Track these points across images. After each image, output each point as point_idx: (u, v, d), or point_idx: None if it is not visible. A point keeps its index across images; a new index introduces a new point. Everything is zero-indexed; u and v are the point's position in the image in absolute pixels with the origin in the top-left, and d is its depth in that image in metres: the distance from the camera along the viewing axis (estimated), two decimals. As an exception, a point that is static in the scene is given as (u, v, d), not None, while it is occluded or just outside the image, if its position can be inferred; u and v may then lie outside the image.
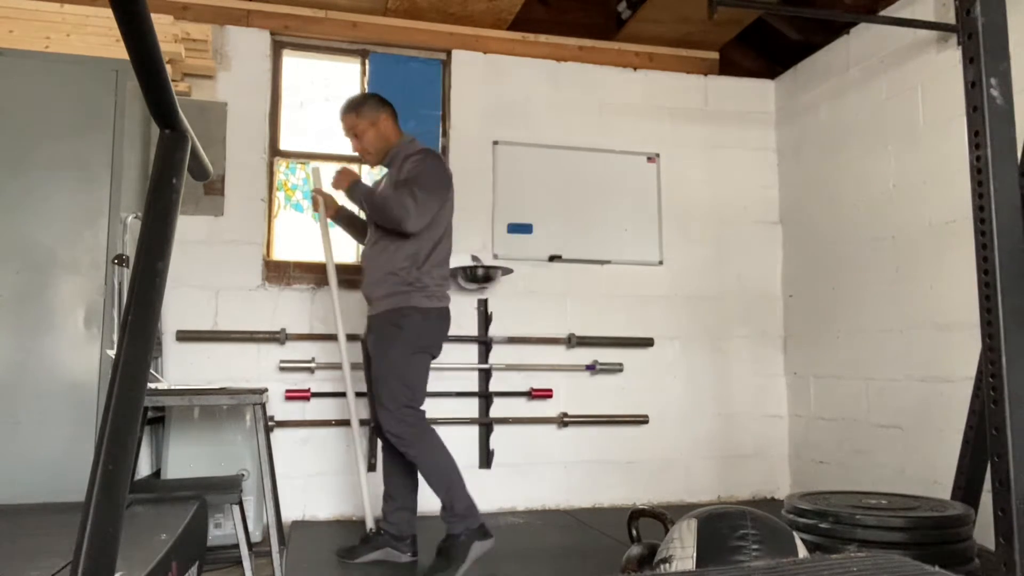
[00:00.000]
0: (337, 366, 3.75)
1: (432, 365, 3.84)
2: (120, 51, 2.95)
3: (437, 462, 2.79)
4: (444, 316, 2.96)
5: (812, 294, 4.26)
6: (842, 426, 3.98)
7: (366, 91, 3.13)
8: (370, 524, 3.10)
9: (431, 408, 3.85)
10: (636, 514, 2.45)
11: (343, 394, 3.75)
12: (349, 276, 3.72)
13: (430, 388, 3.87)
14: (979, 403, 2.60)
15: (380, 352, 2.86)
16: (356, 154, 3.15)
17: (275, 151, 3.97)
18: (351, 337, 3.39)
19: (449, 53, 4.23)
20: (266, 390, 2.79)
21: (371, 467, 3.60)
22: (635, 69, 4.49)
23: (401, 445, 2.80)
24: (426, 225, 2.85)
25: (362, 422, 3.52)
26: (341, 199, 3.19)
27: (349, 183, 2.98)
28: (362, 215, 3.20)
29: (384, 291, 2.89)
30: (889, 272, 3.69)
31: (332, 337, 3.80)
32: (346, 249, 4.00)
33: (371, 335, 2.95)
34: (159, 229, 1.02)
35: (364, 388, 3.13)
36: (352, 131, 3.05)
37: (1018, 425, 1.51)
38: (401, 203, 2.78)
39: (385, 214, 2.83)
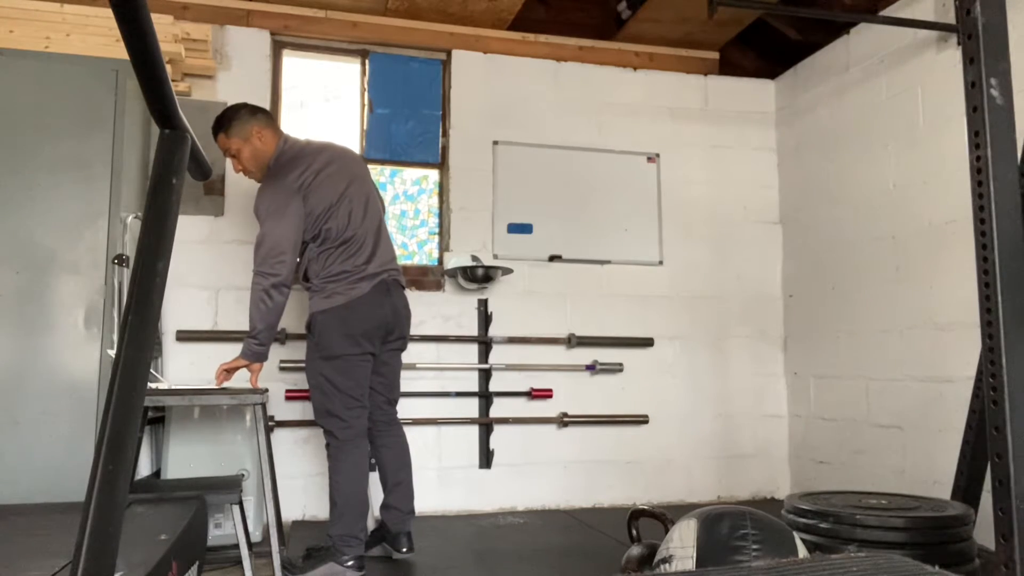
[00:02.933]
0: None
1: (432, 365, 3.90)
2: (120, 51, 2.95)
3: (342, 486, 2.73)
4: (352, 309, 2.74)
5: (812, 294, 4.26)
6: (842, 426, 3.98)
7: (231, 105, 2.91)
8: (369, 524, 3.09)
9: (431, 408, 3.89)
10: (636, 514, 2.45)
11: (343, 394, 3.75)
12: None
13: (430, 388, 3.91)
14: (979, 403, 2.60)
15: (305, 364, 2.88)
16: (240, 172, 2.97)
17: (275, 151, 3.97)
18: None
19: (449, 53, 4.23)
20: (266, 390, 2.78)
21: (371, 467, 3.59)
22: (635, 69, 4.49)
23: (327, 453, 2.82)
24: (295, 237, 2.72)
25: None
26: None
27: (247, 361, 2.75)
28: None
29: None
30: (889, 272, 3.69)
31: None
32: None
33: None
34: (159, 229, 1.02)
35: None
36: (227, 152, 2.88)
37: (1018, 425, 1.51)
38: (258, 284, 2.66)
39: (271, 308, 2.68)
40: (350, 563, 2.68)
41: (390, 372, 3.00)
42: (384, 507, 2.99)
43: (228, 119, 2.83)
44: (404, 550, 2.95)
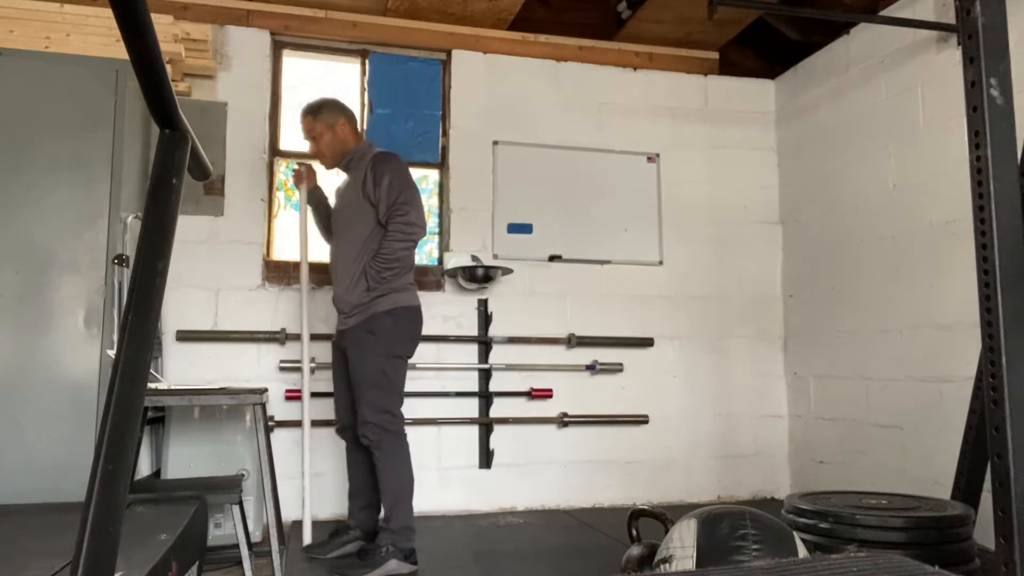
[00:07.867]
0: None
1: (432, 365, 3.91)
2: (120, 51, 2.95)
3: (399, 476, 2.80)
4: (415, 315, 2.95)
5: (812, 294, 4.26)
6: (842, 426, 3.97)
7: (326, 96, 3.14)
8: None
9: (431, 408, 3.89)
10: (636, 514, 2.45)
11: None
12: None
13: (430, 388, 3.92)
14: (979, 403, 2.60)
15: (357, 360, 2.86)
16: (313, 156, 3.17)
17: (275, 151, 3.97)
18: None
19: (449, 53, 4.23)
20: (266, 390, 2.79)
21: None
22: (635, 69, 4.49)
23: (373, 448, 2.81)
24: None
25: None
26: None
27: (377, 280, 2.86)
28: (330, 204, 3.24)
29: (356, 299, 2.88)
30: (889, 272, 3.69)
31: (331, 337, 3.80)
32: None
33: (346, 343, 2.92)
34: (159, 229, 1.02)
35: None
36: (309, 134, 3.07)
37: (1018, 425, 1.51)
38: (403, 230, 2.82)
39: (401, 251, 2.85)
40: (407, 558, 2.72)
41: None
42: (367, 506, 2.99)
43: (319, 106, 3.05)
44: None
